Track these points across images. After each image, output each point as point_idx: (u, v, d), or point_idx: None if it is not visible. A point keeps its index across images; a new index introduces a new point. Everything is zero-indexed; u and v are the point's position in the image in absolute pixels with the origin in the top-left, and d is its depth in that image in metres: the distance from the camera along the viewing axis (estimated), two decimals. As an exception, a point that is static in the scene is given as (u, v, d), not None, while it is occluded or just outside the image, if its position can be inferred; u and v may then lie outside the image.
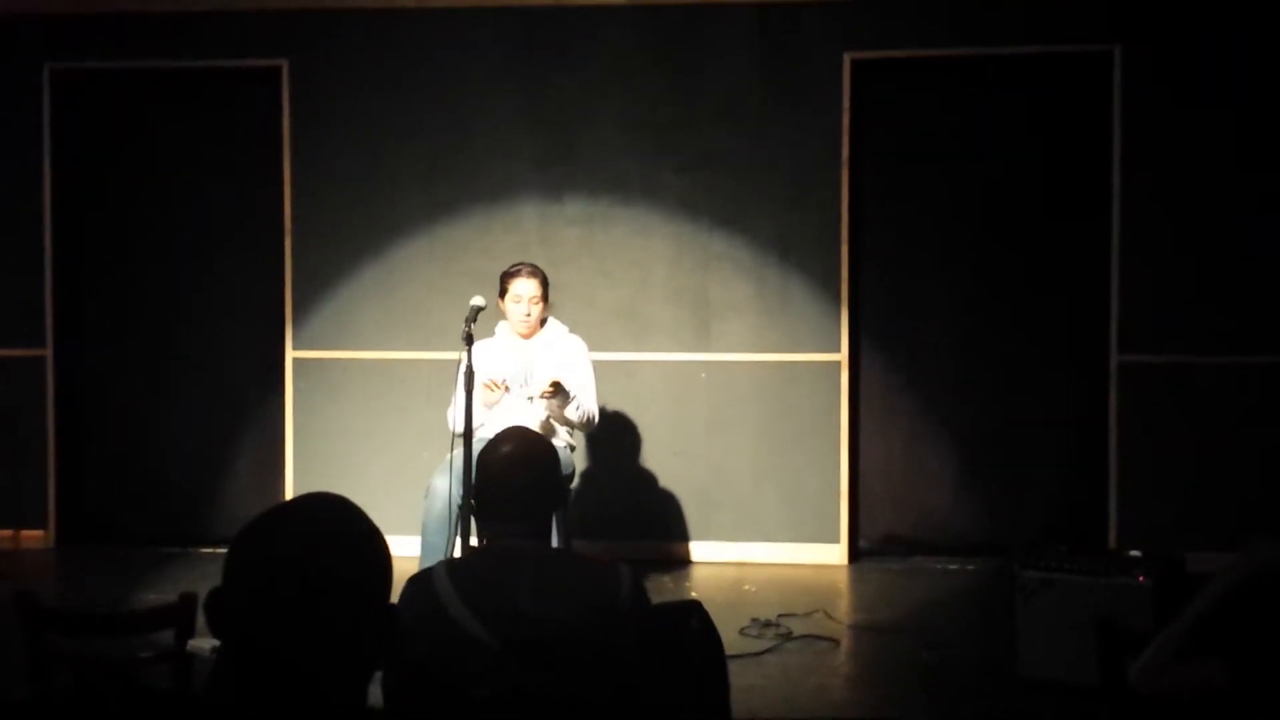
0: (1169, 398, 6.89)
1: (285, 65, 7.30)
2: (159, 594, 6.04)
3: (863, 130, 7.15)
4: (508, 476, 2.92)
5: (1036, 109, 7.10)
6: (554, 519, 5.12)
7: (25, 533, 7.36)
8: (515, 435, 3.05)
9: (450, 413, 5.70)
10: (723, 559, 7.12)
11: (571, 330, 6.04)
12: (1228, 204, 6.83)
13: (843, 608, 6.28)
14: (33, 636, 3.67)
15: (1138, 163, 6.86)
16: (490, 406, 5.65)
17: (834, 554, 7.10)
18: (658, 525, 7.19)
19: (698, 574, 6.92)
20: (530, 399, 5.72)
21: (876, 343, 7.24)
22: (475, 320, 5.34)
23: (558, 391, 5.63)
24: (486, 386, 5.53)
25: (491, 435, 3.16)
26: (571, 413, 5.78)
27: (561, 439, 5.85)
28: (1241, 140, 6.81)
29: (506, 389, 5.67)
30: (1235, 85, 6.81)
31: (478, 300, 5.44)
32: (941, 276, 7.19)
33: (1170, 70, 6.85)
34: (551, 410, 5.75)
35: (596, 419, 5.96)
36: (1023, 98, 7.12)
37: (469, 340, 5.28)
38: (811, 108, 7.09)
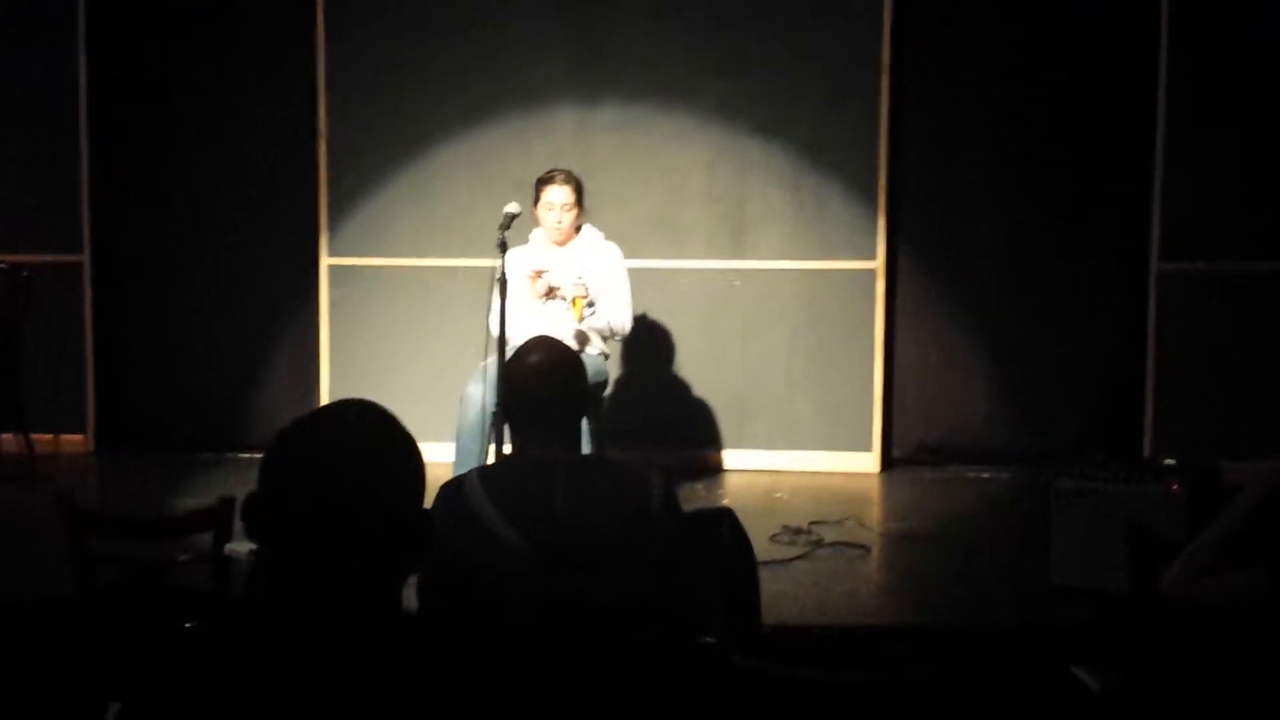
0: (1208, 306, 6.83)
1: (318, -31, 7.25)
2: (197, 498, 6.09)
3: (904, 35, 7.04)
4: (534, 386, 2.94)
5: (1081, 14, 6.97)
6: (586, 426, 5.16)
7: (65, 437, 7.45)
8: (540, 345, 3.07)
9: (491, 318, 5.72)
10: (756, 467, 7.14)
11: (607, 237, 6.02)
12: (1272, 110, 6.72)
13: (875, 515, 6.30)
14: (74, 538, 3.74)
15: (1183, 70, 6.74)
16: (543, 298, 5.66)
17: (867, 462, 7.11)
18: (691, 433, 7.21)
19: (730, 481, 6.95)
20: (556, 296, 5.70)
21: (913, 250, 7.19)
22: (509, 227, 5.34)
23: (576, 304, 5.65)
24: (531, 278, 5.59)
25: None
26: (594, 321, 5.77)
27: (595, 347, 5.86)
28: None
29: (541, 277, 5.68)
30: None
31: (512, 207, 5.42)
32: (981, 183, 7.10)
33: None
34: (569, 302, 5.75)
35: (629, 327, 5.96)
36: (1067, 3, 6.99)
37: (503, 247, 5.29)
38: (852, 10, 6.98)
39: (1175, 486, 4.73)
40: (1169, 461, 4.99)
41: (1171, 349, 6.84)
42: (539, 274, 5.66)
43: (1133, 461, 5.30)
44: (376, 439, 1.80)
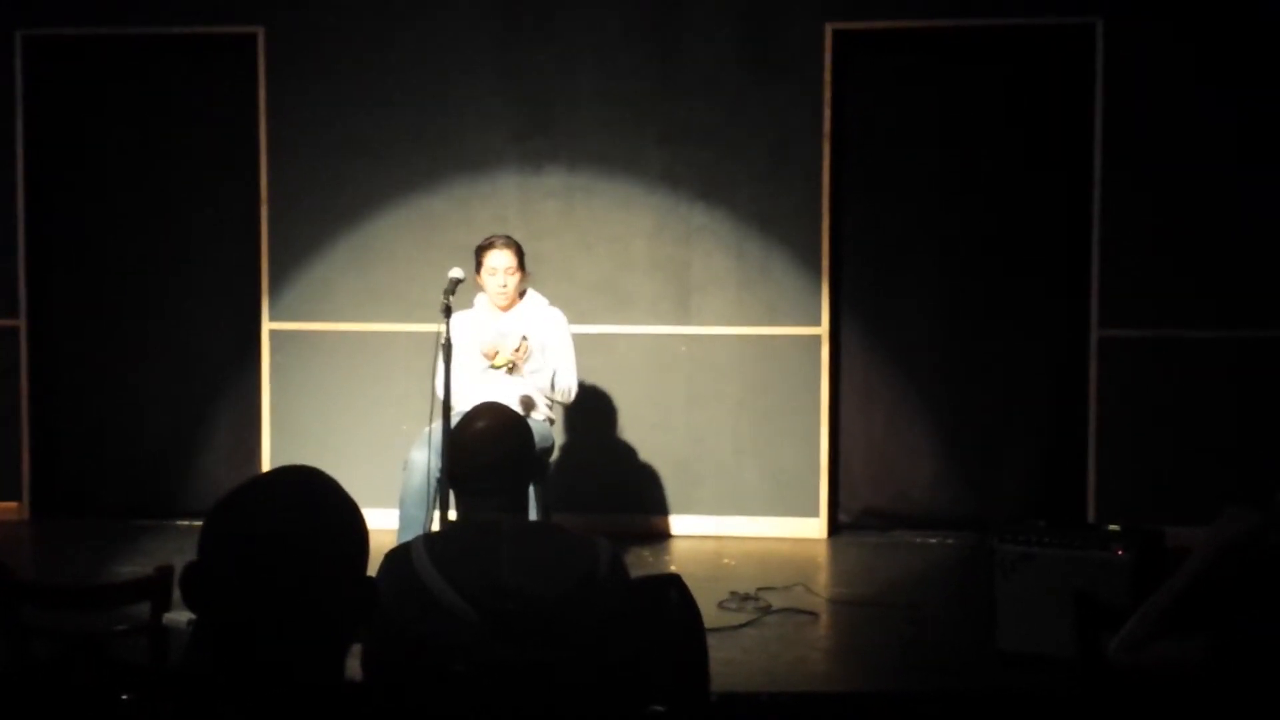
0: (1148, 372, 6.90)
1: (261, 33, 7.24)
2: (134, 567, 6.01)
3: (844, 102, 7.12)
4: (481, 452, 2.93)
5: (1018, 81, 7.08)
6: (532, 492, 5.12)
7: (-1, 504, 7.33)
8: (486, 411, 3.06)
9: (436, 383, 5.68)
10: (702, 532, 7.12)
11: (551, 303, 6.01)
12: (1209, 178, 6.82)
13: (822, 581, 6.28)
14: (7, 609, 3.65)
15: (1120, 136, 6.85)
16: (500, 367, 5.61)
17: (814, 528, 7.10)
18: (637, 499, 7.18)
19: (677, 547, 6.92)
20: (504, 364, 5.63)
21: (857, 316, 7.23)
22: (454, 292, 5.32)
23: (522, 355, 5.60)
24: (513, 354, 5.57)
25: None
26: (544, 379, 5.73)
27: (541, 412, 5.83)
28: (1224, 114, 6.80)
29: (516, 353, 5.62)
30: (1219, 58, 6.79)
31: (456, 272, 5.41)
32: (923, 250, 7.17)
33: (1153, 43, 6.83)
34: (521, 374, 5.69)
35: (575, 391, 5.93)
36: (1004, 70, 7.09)
37: (447, 312, 5.26)
38: (792, 79, 7.06)
39: (1120, 552, 4.75)
40: (1113, 527, 5.01)
41: (1113, 414, 6.90)
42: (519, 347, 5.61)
43: (1076, 527, 5.31)
44: (319, 506, 1.78)
